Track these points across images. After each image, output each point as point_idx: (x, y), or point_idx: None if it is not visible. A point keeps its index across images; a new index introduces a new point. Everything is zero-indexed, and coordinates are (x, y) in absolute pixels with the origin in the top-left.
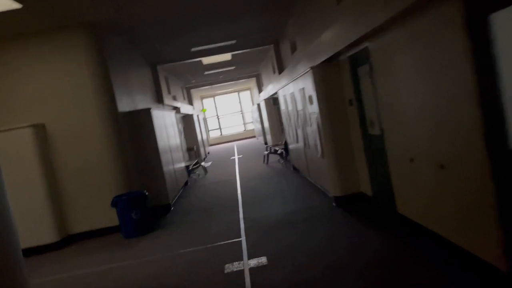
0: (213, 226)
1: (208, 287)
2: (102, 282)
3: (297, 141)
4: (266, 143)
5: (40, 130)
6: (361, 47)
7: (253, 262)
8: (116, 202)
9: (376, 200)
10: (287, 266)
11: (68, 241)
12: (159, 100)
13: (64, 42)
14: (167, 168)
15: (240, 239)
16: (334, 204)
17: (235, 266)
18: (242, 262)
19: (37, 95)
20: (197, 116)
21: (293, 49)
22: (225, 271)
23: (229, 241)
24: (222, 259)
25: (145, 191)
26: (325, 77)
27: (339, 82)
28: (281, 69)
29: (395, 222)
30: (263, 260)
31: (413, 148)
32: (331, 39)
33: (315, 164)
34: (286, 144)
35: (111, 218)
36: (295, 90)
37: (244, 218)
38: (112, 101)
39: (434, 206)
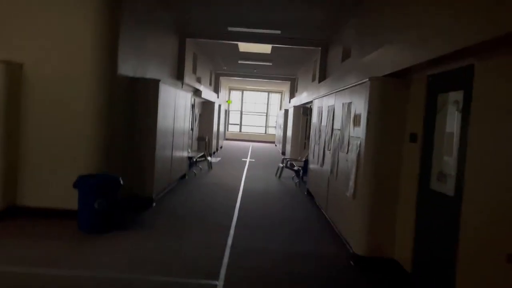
0: (190, 245)
1: None
2: None
3: (322, 165)
4: (283, 154)
5: (14, 70)
6: (458, 65)
7: None
8: (79, 183)
9: (417, 281)
10: None
11: (12, 213)
12: (179, 76)
13: None
14: (161, 153)
15: (216, 283)
16: (352, 263)
17: None
18: None
19: (23, 28)
20: (219, 105)
21: (345, 56)
22: None
23: (199, 280)
24: None
25: (119, 177)
26: (386, 95)
27: (404, 107)
28: (323, 78)
29: None
30: None
31: None
32: (411, 46)
33: (340, 202)
34: (306, 162)
35: (72, 200)
36: (337, 104)
37: (232, 246)
38: (112, 58)
39: None
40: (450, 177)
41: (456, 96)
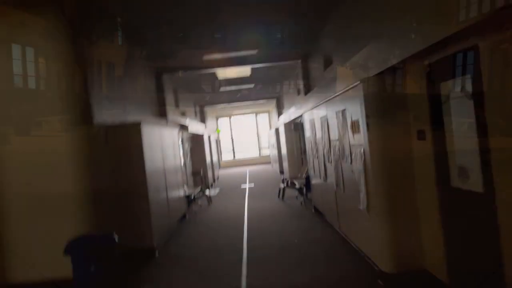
0: None
1: None
2: None
3: (325, 179)
4: (282, 172)
5: None
6: (458, 48)
7: None
8: (70, 249)
9: None
10: None
11: None
12: (162, 114)
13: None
14: (156, 197)
15: None
16: (380, 282)
17: None
18: None
19: None
20: (209, 136)
21: (328, 63)
22: None
23: None
24: None
25: (113, 233)
26: (383, 94)
27: (404, 104)
28: (308, 90)
29: None
30: None
31: None
32: (402, 36)
33: (352, 215)
34: (308, 178)
35: (68, 267)
36: (330, 113)
37: None
38: (85, 107)
39: None
40: (473, 171)
41: (462, 81)
